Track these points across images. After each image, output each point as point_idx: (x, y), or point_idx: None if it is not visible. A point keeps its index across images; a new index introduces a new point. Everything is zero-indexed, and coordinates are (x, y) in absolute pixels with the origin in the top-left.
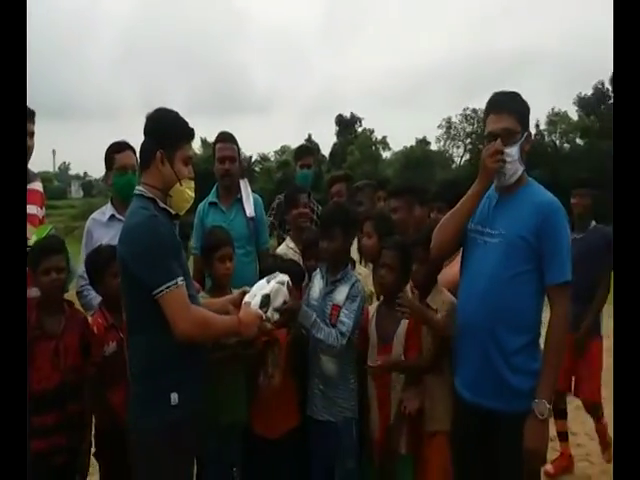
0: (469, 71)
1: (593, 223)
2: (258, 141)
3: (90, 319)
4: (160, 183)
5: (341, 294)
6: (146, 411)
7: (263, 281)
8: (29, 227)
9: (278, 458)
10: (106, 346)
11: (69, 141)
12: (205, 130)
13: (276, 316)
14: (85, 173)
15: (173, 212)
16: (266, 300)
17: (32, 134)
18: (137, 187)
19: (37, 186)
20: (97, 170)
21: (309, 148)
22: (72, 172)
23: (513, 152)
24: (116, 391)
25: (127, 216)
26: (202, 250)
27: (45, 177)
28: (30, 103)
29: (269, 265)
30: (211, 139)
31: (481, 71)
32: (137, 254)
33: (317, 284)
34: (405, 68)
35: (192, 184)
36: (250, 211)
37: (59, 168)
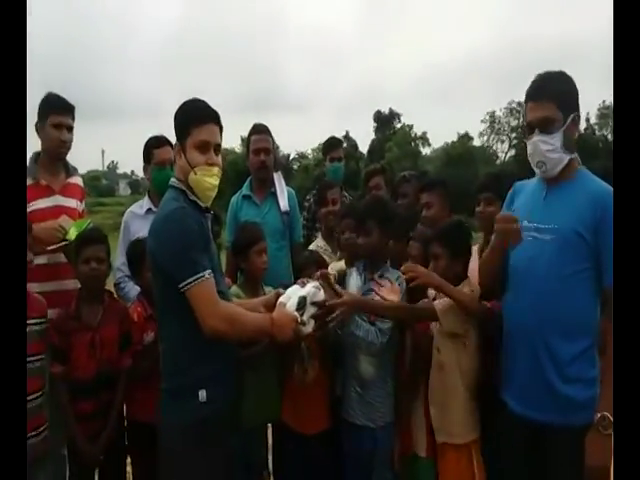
0: (512, 62)
1: None
2: (297, 139)
3: (130, 309)
4: (182, 176)
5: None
6: (174, 407)
7: (297, 285)
8: (68, 220)
9: (310, 454)
10: (145, 335)
11: (117, 141)
12: (244, 129)
13: (312, 310)
14: (132, 172)
15: (203, 205)
16: (303, 302)
17: (71, 128)
18: (171, 179)
19: (77, 180)
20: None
21: (338, 140)
22: (120, 171)
23: (554, 141)
24: (149, 384)
25: (159, 207)
26: (235, 246)
27: (94, 176)
28: (82, 104)
29: (303, 259)
30: None
31: (525, 62)
32: (164, 246)
33: (354, 282)
34: (445, 61)
35: (213, 170)
36: (284, 205)
37: (108, 167)
